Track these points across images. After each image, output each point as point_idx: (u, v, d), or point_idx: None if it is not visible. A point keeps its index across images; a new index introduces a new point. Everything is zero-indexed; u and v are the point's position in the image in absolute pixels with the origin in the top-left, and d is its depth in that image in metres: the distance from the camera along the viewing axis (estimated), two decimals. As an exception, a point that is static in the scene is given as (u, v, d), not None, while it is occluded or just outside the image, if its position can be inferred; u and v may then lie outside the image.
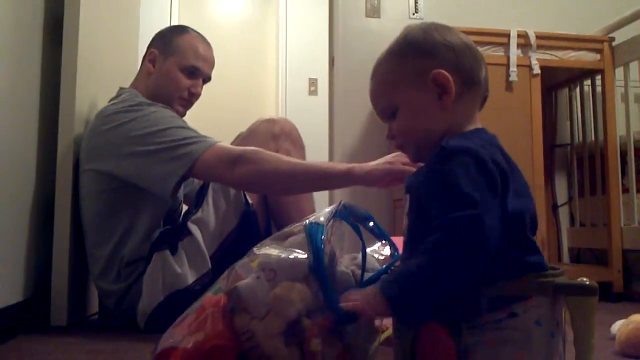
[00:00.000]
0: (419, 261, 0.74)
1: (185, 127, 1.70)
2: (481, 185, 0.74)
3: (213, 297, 0.80)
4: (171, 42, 1.88)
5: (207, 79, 1.93)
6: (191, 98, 1.90)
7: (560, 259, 3.01)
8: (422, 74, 0.83)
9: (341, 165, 1.60)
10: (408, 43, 0.87)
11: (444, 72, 0.83)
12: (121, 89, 1.90)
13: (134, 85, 1.91)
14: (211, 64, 1.93)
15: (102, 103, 1.91)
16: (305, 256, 0.78)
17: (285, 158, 1.66)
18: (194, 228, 1.73)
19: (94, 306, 2.01)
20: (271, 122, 1.89)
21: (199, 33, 1.97)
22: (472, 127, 0.85)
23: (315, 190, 1.82)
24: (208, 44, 1.95)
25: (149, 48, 1.92)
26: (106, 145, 1.72)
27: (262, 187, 1.66)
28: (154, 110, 1.73)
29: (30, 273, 1.72)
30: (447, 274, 0.73)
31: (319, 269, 0.75)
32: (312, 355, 0.74)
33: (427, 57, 0.85)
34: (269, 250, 0.81)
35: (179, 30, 1.93)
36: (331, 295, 0.75)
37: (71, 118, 1.84)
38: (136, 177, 1.68)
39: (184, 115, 1.93)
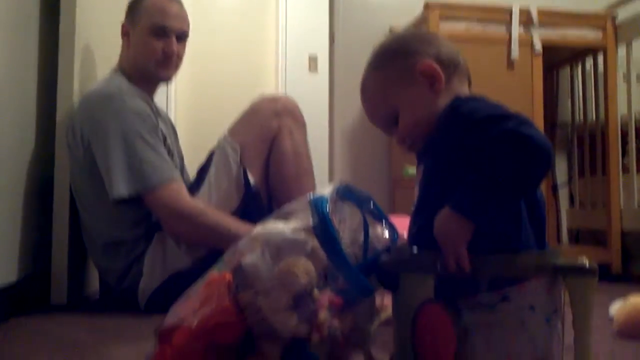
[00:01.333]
0: (489, 169, 0.73)
1: (153, 145, 1.70)
2: (502, 107, 0.79)
3: (217, 274, 0.80)
4: (137, 9, 1.85)
5: (181, 35, 1.87)
6: (168, 59, 1.85)
7: (559, 240, 3.02)
8: (408, 72, 0.87)
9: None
10: (385, 52, 0.92)
11: (427, 61, 0.87)
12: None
13: (119, 63, 1.90)
14: (179, 17, 1.86)
15: (101, 73, 1.90)
16: (309, 235, 0.78)
17: (233, 225, 1.66)
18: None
19: (94, 284, 2.01)
20: (273, 99, 1.88)
21: None
22: None
23: None
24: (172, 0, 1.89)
25: (122, 23, 1.90)
26: (80, 132, 1.73)
27: (196, 246, 1.70)
28: (131, 109, 1.72)
29: (29, 251, 1.73)
30: (520, 171, 0.73)
31: (329, 234, 0.75)
32: (320, 327, 0.74)
33: (406, 56, 0.89)
34: (272, 228, 0.81)
35: None
36: (345, 257, 0.75)
37: (69, 94, 1.84)
38: (99, 166, 1.70)
39: (169, 78, 1.91)
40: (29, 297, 1.73)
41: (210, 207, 1.71)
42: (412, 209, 0.89)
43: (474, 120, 0.78)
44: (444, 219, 0.76)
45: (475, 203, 0.74)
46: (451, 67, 0.88)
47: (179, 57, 1.89)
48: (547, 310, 0.77)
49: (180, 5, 1.90)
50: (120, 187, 1.65)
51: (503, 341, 0.75)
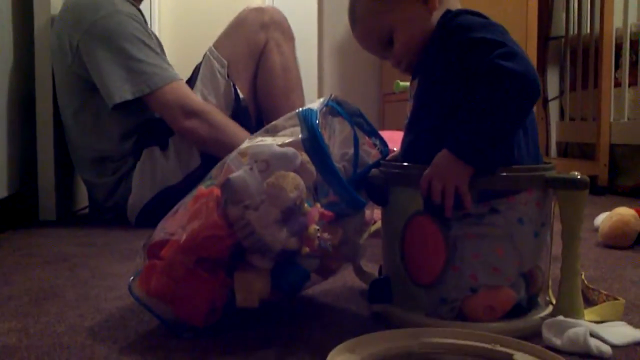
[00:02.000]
0: (478, 110, 0.73)
1: (152, 48, 1.65)
2: (493, 28, 0.78)
3: (205, 189, 0.79)
4: None
5: None
6: None
7: (547, 153, 3.03)
8: None
9: None
10: None
11: None
12: None
13: None
14: None
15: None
16: (298, 149, 0.77)
17: (237, 129, 1.64)
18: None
19: (83, 200, 2.01)
20: (260, 10, 1.82)
21: None
22: None
23: None
24: None
25: None
26: (69, 38, 1.67)
27: (202, 146, 1.67)
28: (124, 12, 1.65)
29: (15, 167, 1.71)
30: (510, 108, 0.73)
31: (319, 146, 0.74)
32: (310, 241, 0.74)
33: None
34: (261, 143, 0.79)
35: None
36: (335, 170, 0.75)
37: (46, 7, 1.76)
38: (92, 73, 1.65)
39: None
40: (17, 213, 1.73)
41: (221, 111, 1.68)
42: (405, 122, 0.87)
43: (467, 39, 0.77)
44: (444, 161, 0.74)
45: (476, 149, 0.73)
46: None
47: None
48: (536, 223, 0.77)
49: None
50: (123, 91, 1.60)
51: (490, 252, 0.75)
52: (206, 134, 1.64)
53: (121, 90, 1.60)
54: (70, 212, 1.95)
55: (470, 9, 0.84)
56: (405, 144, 0.86)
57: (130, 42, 1.62)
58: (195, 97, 1.67)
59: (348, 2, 0.91)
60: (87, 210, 1.97)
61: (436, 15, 0.85)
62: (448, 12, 0.84)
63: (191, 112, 1.63)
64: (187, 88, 1.67)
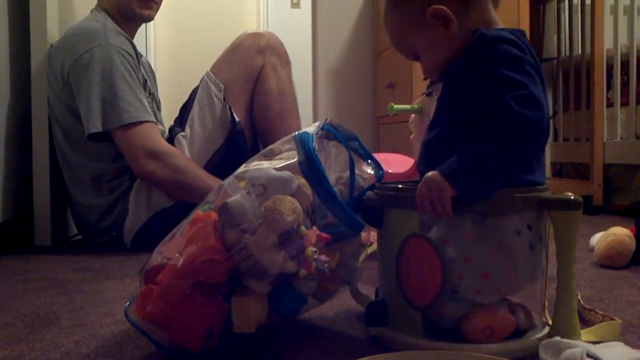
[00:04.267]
0: (481, 143, 0.74)
1: (132, 85, 1.67)
2: (523, 67, 0.78)
3: (202, 213, 0.79)
4: None
5: None
6: None
7: (542, 173, 3.04)
8: (420, 16, 0.85)
9: None
10: None
11: (435, 6, 0.84)
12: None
13: (100, 1, 1.85)
14: None
15: (80, 15, 1.85)
16: (294, 173, 0.77)
17: (201, 173, 1.66)
18: (180, 145, 1.72)
19: (79, 226, 2.00)
20: (256, 35, 1.84)
21: None
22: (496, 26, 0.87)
23: None
24: None
25: None
26: (61, 65, 1.70)
27: (163, 189, 1.69)
28: (114, 46, 1.67)
29: (10, 193, 1.71)
30: (514, 149, 0.74)
31: (316, 169, 0.74)
32: (307, 263, 0.74)
33: None
34: (258, 167, 0.80)
35: None
36: (333, 192, 0.75)
37: (42, 35, 1.79)
38: (77, 101, 1.68)
39: (151, 17, 1.87)
40: (13, 239, 1.72)
41: (185, 155, 1.69)
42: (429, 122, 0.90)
43: (492, 73, 0.78)
44: (433, 179, 0.75)
45: (465, 180, 0.74)
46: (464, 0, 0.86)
47: None
48: (533, 236, 0.78)
49: None
50: (95, 122, 1.64)
51: (482, 258, 0.76)
52: (166, 177, 1.65)
53: (95, 122, 1.63)
54: (66, 237, 1.95)
55: (507, 34, 0.82)
56: (425, 141, 0.88)
57: (111, 76, 1.65)
58: (161, 141, 1.68)
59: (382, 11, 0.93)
60: (80, 237, 1.97)
61: (462, 35, 0.84)
62: (483, 35, 0.82)
63: (152, 155, 1.64)
64: (154, 131, 1.68)
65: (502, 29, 0.85)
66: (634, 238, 1.40)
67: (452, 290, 0.76)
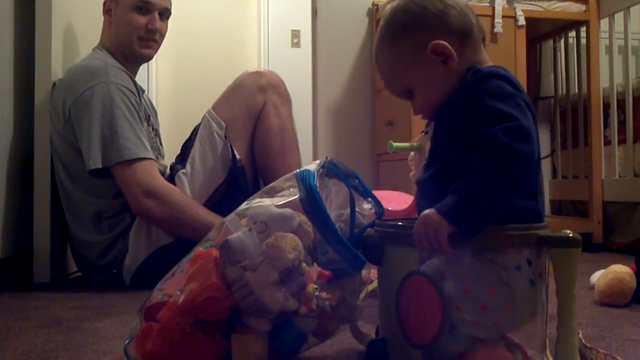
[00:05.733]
0: (472, 177, 0.75)
1: (132, 122, 1.69)
2: (513, 101, 0.79)
3: (203, 250, 0.80)
4: None
5: (164, 12, 1.87)
6: (151, 35, 1.84)
7: (541, 211, 3.04)
8: (419, 51, 0.86)
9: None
10: (395, 26, 0.89)
11: (438, 41, 0.85)
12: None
13: (101, 41, 1.88)
14: None
15: (84, 52, 1.88)
16: (295, 210, 0.78)
17: (200, 210, 1.67)
18: (180, 182, 1.73)
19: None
20: (257, 74, 1.86)
21: None
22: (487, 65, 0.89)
23: None
24: None
25: (104, 1, 1.88)
26: (63, 103, 1.73)
27: (160, 226, 1.70)
28: (115, 83, 1.70)
29: (10, 230, 1.71)
30: (504, 181, 0.75)
31: (317, 206, 0.75)
32: (308, 300, 0.74)
33: (417, 32, 0.87)
34: (259, 204, 0.80)
35: None
36: (335, 229, 0.76)
37: (47, 73, 1.81)
38: (78, 138, 1.70)
39: (151, 57, 1.90)
40: (11, 276, 1.72)
41: (184, 193, 1.70)
42: (424, 162, 0.91)
43: (484, 107, 0.79)
44: (429, 216, 0.76)
45: (460, 216, 0.75)
46: (463, 38, 0.87)
47: (162, 35, 1.88)
48: (533, 272, 0.78)
49: None
50: (96, 158, 1.65)
51: (481, 291, 0.76)
52: (164, 215, 1.66)
53: (95, 158, 1.65)
54: (65, 275, 1.94)
55: (501, 70, 0.84)
56: (421, 181, 0.89)
57: (112, 113, 1.67)
58: (159, 178, 1.69)
59: (374, 47, 0.93)
60: (80, 274, 1.96)
61: (459, 74, 0.86)
62: (478, 71, 0.84)
63: (150, 193, 1.65)
64: (152, 168, 1.69)
65: (495, 66, 0.87)
66: (634, 276, 1.40)
67: (452, 324, 0.76)
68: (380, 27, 0.92)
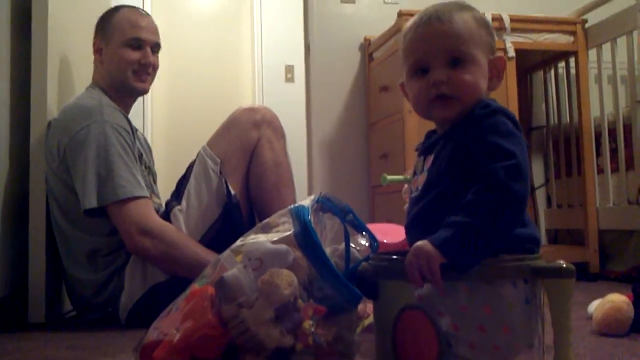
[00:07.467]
0: (468, 212, 0.77)
1: (127, 161, 1.70)
2: (515, 140, 0.81)
3: (199, 287, 0.80)
4: (107, 25, 1.88)
5: (155, 47, 1.91)
6: (145, 69, 1.87)
7: (537, 240, 3.04)
8: (489, 50, 0.91)
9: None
10: (480, 17, 0.93)
11: (504, 58, 0.91)
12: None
13: (94, 79, 1.91)
14: (151, 29, 1.90)
15: (79, 89, 1.90)
16: (290, 246, 0.78)
17: (196, 247, 1.67)
18: (176, 218, 1.73)
19: (72, 302, 1.98)
20: (252, 110, 1.88)
21: (131, 6, 1.98)
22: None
23: None
24: (142, 13, 1.94)
25: (93, 42, 1.91)
26: (58, 142, 1.74)
27: (156, 265, 1.69)
28: (110, 122, 1.72)
29: (5, 270, 1.70)
30: (500, 218, 0.77)
31: (312, 241, 0.75)
32: (304, 336, 0.74)
33: (492, 38, 0.92)
34: (254, 240, 0.81)
35: (111, 12, 1.92)
36: (330, 264, 0.76)
37: (42, 112, 1.83)
38: (73, 177, 1.70)
39: (146, 90, 1.92)
40: (6, 315, 1.70)
41: (179, 230, 1.70)
42: (414, 194, 0.91)
43: (487, 141, 0.81)
44: (422, 247, 0.77)
45: (453, 249, 0.76)
46: None
47: (155, 69, 1.92)
48: (529, 291, 0.78)
49: (150, 17, 1.94)
50: (91, 197, 1.65)
51: (478, 310, 0.76)
52: (159, 253, 1.66)
53: (90, 197, 1.65)
54: (60, 314, 1.92)
55: (506, 109, 0.86)
56: (413, 213, 0.90)
57: (107, 152, 1.67)
58: (154, 217, 1.69)
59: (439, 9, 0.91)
60: (75, 313, 1.94)
61: (485, 94, 0.90)
62: (487, 105, 0.86)
63: (145, 232, 1.65)
64: (148, 207, 1.69)
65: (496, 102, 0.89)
66: (632, 305, 1.40)
67: (448, 343, 0.76)
68: (461, 3, 0.94)
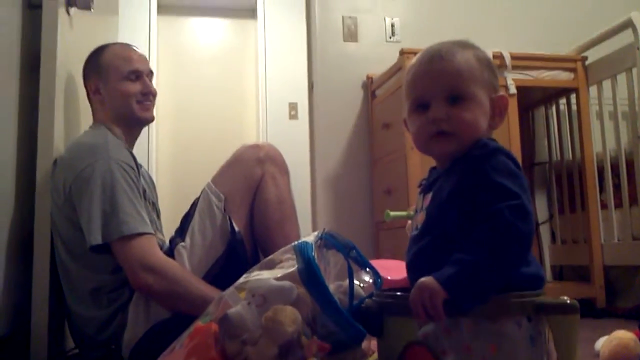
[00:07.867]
0: (473, 250, 0.77)
1: (131, 197, 1.71)
2: (518, 180, 0.82)
3: (203, 325, 0.80)
4: (100, 65, 1.91)
5: (150, 74, 1.96)
6: (147, 97, 1.92)
7: (542, 276, 3.02)
8: (491, 89, 0.91)
9: None
10: (483, 56, 0.94)
11: (506, 97, 0.92)
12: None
13: (97, 119, 1.93)
14: (142, 59, 1.96)
15: (85, 127, 1.92)
16: (294, 282, 0.78)
17: (199, 283, 1.67)
18: (180, 255, 1.73)
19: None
20: (256, 147, 1.90)
21: (115, 42, 2.04)
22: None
23: None
24: (128, 45, 2.00)
25: (85, 84, 1.95)
26: (63, 180, 1.75)
27: (160, 302, 1.68)
28: (115, 159, 1.74)
29: (8, 308, 1.70)
30: (505, 257, 0.77)
31: (316, 277, 0.76)
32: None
33: (494, 76, 0.93)
34: (258, 277, 0.81)
35: (99, 52, 1.95)
36: (334, 300, 0.76)
37: (49, 150, 1.84)
38: (78, 214, 1.70)
39: (151, 118, 1.95)
40: (8, 354, 1.69)
41: (183, 267, 1.70)
42: (413, 233, 0.91)
43: (490, 181, 0.82)
44: (426, 283, 0.77)
45: (462, 287, 0.77)
46: None
47: (154, 96, 1.98)
48: (533, 330, 0.78)
49: (138, 48, 2.01)
50: (96, 234, 1.65)
51: (484, 348, 0.76)
52: (162, 290, 1.65)
53: (95, 234, 1.65)
54: (63, 353, 1.91)
55: (505, 149, 0.88)
56: (412, 253, 0.90)
57: (112, 189, 1.68)
58: (158, 254, 1.69)
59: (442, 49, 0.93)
60: (77, 350, 1.93)
61: (485, 134, 0.90)
62: (485, 145, 0.87)
63: (149, 268, 1.64)
64: (152, 243, 1.69)
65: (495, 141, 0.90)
66: (639, 341, 1.39)
67: None
68: (463, 43, 0.95)
